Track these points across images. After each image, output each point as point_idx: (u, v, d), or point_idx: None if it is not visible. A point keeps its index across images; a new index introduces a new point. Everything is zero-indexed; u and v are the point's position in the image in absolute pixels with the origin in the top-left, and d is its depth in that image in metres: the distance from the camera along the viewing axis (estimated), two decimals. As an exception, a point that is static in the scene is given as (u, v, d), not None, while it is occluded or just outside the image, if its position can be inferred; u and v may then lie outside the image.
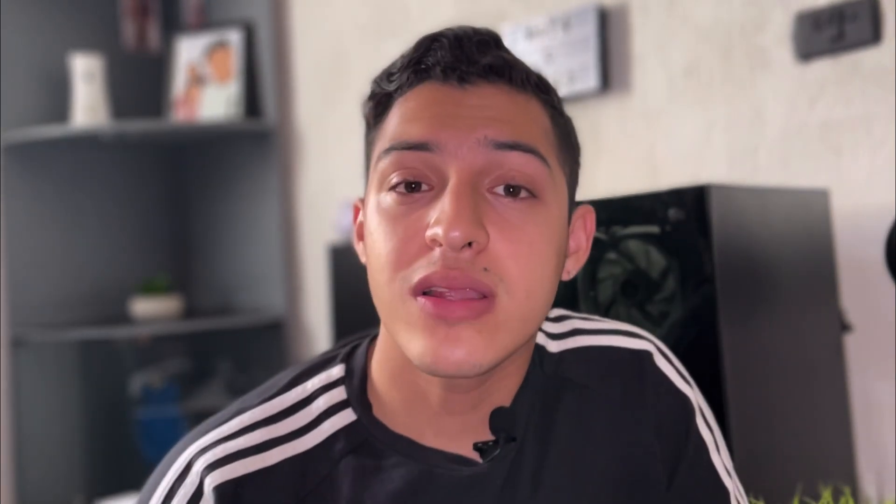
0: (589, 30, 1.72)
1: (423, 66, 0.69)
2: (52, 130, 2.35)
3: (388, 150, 0.67)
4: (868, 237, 1.37)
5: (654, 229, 1.10)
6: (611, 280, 1.14)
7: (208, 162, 2.70)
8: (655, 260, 1.10)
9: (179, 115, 2.57)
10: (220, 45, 2.56)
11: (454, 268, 0.63)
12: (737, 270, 1.10)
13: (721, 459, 0.79)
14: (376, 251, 0.67)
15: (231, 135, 2.56)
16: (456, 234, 0.62)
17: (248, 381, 2.51)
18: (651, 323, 1.10)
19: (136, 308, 2.48)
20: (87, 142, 2.44)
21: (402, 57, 0.71)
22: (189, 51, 2.60)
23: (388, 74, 0.71)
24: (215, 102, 2.53)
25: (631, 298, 1.12)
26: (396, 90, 0.70)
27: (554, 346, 0.78)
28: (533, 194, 0.67)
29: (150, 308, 2.47)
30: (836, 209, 1.35)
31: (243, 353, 2.61)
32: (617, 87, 1.72)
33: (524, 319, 0.67)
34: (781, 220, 1.23)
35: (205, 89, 2.57)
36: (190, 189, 2.77)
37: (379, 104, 0.71)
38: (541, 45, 1.80)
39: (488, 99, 0.68)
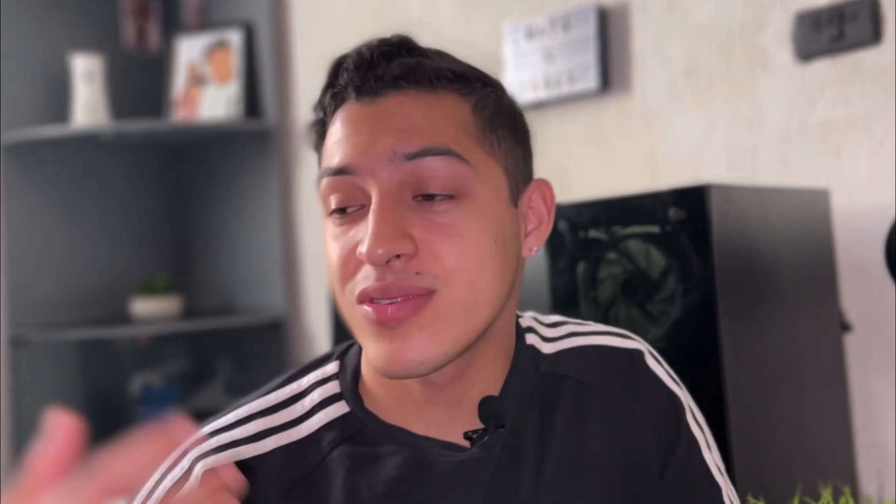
0: (589, 30, 1.72)
1: (336, 90, 0.72)
2: (52, 130, 2.35)
3: (321, 177, 0.71)
4: (868, 237, 1.37)
5: (654, 229, 1.10)
6: (611, 280, 1.14)
7: (208, 162, 2.70)
8: (655, 260, 1.10)
9: (179, 115, 2.57)
10: (220, 46, 2.56)
11: (384, 279, 0.66)
12: (737, 270, 1.10)
13: (713, 458, 0.82)
14: (328, 268, 0.72)
15: (231, 135, 2.56)
16: (378, 251, 0.65)
17: (248, 381, 2.50)
18: (651, 323, 1.10)
19: (136, 308, 2.48)
20: (87, 142, 2.44)
21: (323, 83, 0.74)
22: (189, 51, 2.60)
23: (319, 101, 0.74)
24: (215, 102, 2.53)
25: (631, 298, 1.12)
26: (325, 116, 0.73)
27: (548, 348, 0.80)
28: (457, 194, 0.68)
29: (150, 308, 2.47)
30: (836, 209, 1.36)
31: (243, 353, 2.61)
32: (617, 87, 1.72)
33: (469, 310, 0.68)
34: (781, 220, 1.23)
35: (205, 89, 2.57)
36: (190, 189, 2.77)
37: (317, 132, 0.75)
38: (541, 45, 1.80)
39: (395, 109, 0.69)
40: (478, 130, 0.71)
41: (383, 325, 0.67)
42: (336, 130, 0.71)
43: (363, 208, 0.69)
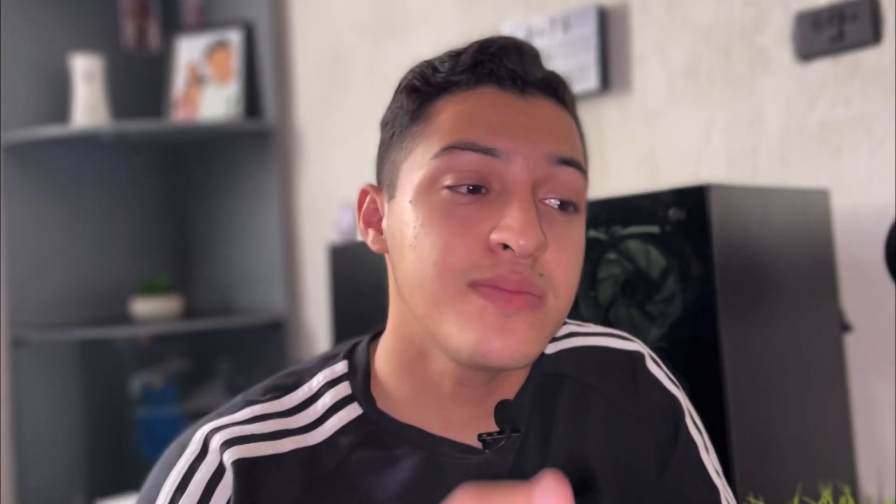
0: (589, 30, 1.72)
1: (486, 70, 0.71)
2: (52, 130, 2.35)
3: (447, 149, 0.69)
4: (868, 237, 1.37)
5: (654, 229, 1.10)
6: (611, 280, 1.14)
7: (208, 162, 2.70)
8: (655, 260, 1.10)
9: (179, 115, 2.57)
10: (220, 45, 2.56)
11: (518, 272, 0.66)
12: (737, 270, 1.10)
13: (710, 460, 0.82)
14: (428, 245, 0.68)
15: (231, 135, 2.56)
16: (527, 243, 0.65)
17: (248, 381, 2.50)
18: (651, 323, 1.10)
19: (136, 308, 2.48)
20: (87, 142, 2.44)
21: (454, 55, 0.72)
22: (189, 51, 2.60)
23: (433, 68, 0.72)
24: (215, 102, 2.53)
25: (631, 298, 1.12)
26: (450, 87, 0.71)
27: (549, 348, 0.80)
28: (577, 209, 0.71)
29: (150, 308, 2.47)
30: (836, 209, 1.36)
31: (243, 353, 2.61)
32: (617, 87, 1.72)
33: (559, 321, 0.70)
34: (781, 220, 1.23)
35: (205, 89, 2.57)
36: (190, 189, 2.77)
37: (423, 96, 0.72)
38: (541, 45, 1.80)
39: (546, 112, 0.71)
40: (585, 155, 0.75)
41: (501, 313, 0.66)
42: (473, 108, 0.70)
43: (489, 194, 0.68)
